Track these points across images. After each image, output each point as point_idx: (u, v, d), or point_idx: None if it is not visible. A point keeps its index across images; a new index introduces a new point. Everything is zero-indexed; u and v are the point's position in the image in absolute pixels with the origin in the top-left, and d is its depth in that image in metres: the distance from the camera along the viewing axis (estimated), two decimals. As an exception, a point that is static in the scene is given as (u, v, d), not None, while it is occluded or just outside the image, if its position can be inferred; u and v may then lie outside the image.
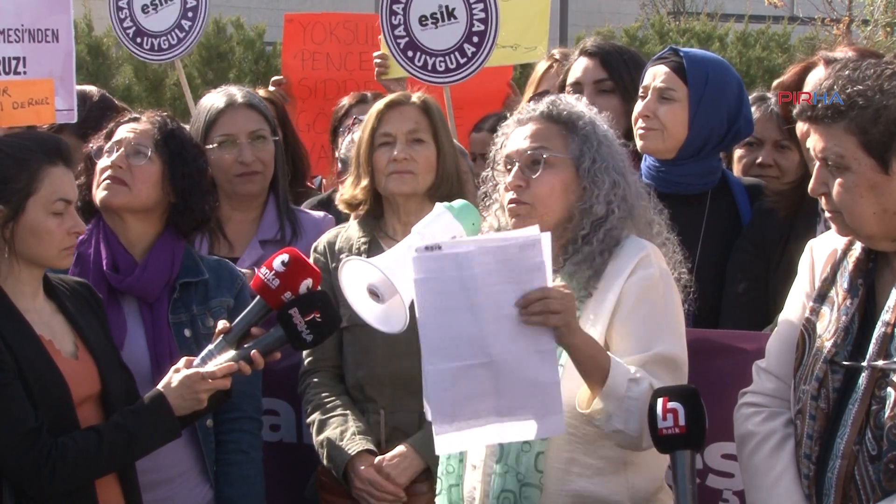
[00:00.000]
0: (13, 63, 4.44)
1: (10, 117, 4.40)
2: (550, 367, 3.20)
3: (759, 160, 4.95)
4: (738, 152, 5.03)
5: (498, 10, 5.55)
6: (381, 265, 3.29)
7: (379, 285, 3.30)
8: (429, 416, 3.23)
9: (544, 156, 3.51)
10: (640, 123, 4.39)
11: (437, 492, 3.67)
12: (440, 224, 3.39)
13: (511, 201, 3.53)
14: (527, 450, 3.42)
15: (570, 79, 4.90)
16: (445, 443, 3.25)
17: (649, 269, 3.45)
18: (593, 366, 3.27)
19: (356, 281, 3.36)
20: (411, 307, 3.22)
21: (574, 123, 3.55)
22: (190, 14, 6.19)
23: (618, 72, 4.83)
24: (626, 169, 3.59)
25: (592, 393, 3.30)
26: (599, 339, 3.38)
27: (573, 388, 3.33)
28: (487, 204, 3.69)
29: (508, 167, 3.57)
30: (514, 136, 3.60)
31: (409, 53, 5.61)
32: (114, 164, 4.06)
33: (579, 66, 4.89)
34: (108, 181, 4.06)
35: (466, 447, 3.38)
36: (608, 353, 3.32)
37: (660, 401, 3.12)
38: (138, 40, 6.23)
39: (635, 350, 3.37)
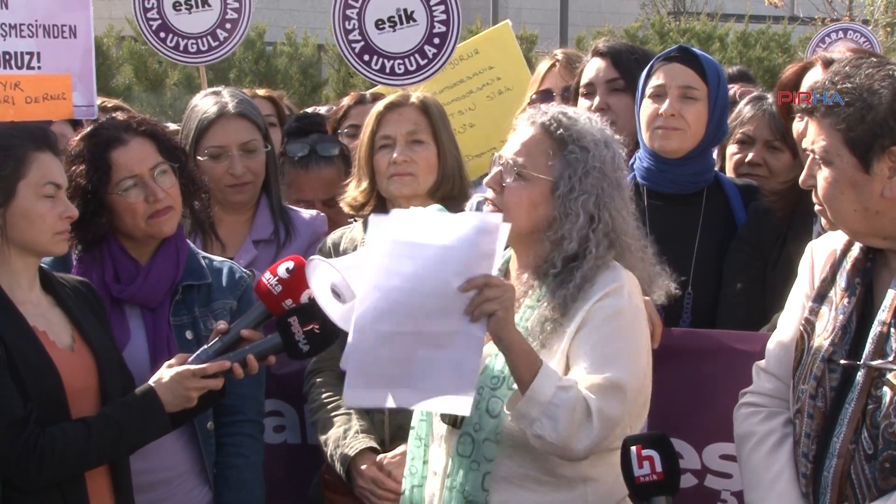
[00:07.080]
0: (26, 58, 4.40)
1: (23, 112, 4.33)
2: (474, 352, 3.16)
3: (748, 158, 4.97)
4: (730, 149, 5.05)
5: (460, 10, 5.47)
6: (341, 266, 3.29)
7: (339, 286, 3.31)
8: (342, 365, 3.22)
9: (518, 170, 3.41)
10: (661, 122, 4.35)
11: (401, 491, 3.67)
12: None
13: (488, 200, 3.46)
14: (475, 468, 3.39)
15: (584, 80, 4.89)
16: (354, 398, 3.28)
17: (619, 299, 3.32)
18: (524, 365, 3.19)
19: (324, 280, 3.37)
20: None
21: (565, 145, 3.42)
22: (228, 26, 6.09)
23: (629, 71, 4.79)
24: (616, 200, 3.42)
25: (521, 395, 3.23)
26: (560, 357, 3.32)
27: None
28: None
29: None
30: (515, 135, 3.52)
31: (366, 57, 5.49)
32: None
33: (592, 67, 4.88)
34: None
35: (372, 405, 3.31)
36: (543, 360, 3.23)
37: (633, 449, 3.08)
38: (161, 35, 6.13)
39: (587, 372, 3.25)
